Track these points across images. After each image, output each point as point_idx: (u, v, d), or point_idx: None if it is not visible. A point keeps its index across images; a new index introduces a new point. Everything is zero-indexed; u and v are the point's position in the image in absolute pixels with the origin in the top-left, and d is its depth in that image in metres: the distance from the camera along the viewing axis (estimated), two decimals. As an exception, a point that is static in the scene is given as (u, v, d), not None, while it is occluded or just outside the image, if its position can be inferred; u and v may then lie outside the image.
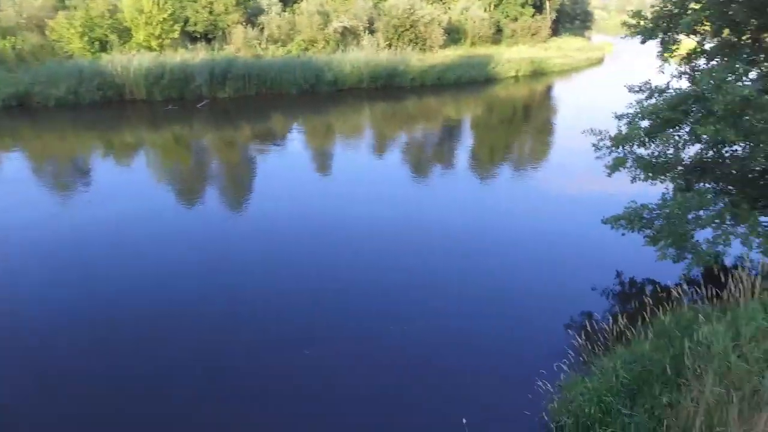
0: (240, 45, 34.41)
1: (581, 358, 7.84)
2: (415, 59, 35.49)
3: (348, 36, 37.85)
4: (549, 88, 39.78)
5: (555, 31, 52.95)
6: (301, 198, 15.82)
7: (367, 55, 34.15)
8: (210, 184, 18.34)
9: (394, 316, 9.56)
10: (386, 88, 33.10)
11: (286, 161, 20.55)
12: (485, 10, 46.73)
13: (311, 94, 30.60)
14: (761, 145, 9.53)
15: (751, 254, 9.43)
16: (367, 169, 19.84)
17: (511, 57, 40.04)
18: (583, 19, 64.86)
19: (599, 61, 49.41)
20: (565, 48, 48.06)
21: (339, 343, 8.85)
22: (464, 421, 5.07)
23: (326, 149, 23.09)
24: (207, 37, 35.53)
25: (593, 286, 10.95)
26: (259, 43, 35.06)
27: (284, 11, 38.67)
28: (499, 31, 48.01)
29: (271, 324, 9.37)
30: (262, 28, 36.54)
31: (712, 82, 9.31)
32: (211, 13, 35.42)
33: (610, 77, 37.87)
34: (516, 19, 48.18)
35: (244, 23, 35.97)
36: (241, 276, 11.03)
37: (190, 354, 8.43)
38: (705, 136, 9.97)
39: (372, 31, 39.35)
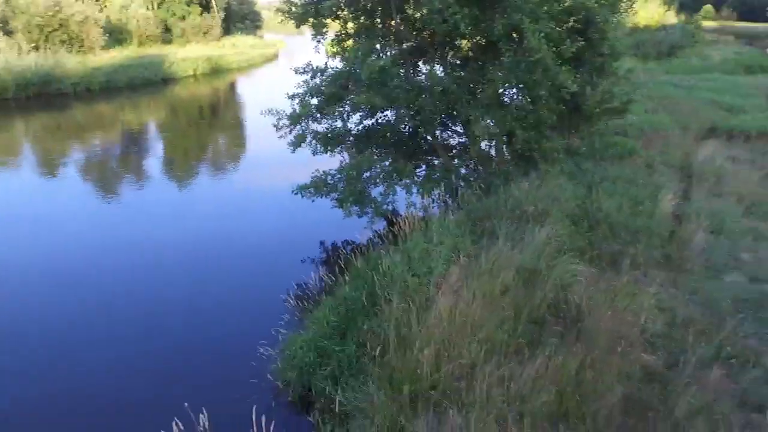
0: None
1: (296, 319, 8.40)
2: (74, 62, 31.31)
3: (-26, 38, 30.94)
4: (232, 85, 40.12)
5: (227, 30, 53.50)
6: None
7: (7, 59, 28.54)
8: None
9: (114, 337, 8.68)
10: (42, 96, 28.31)
11: None
12: (148, 8, 44.09)
13: (-68, 112, 24.09)
14: (402, 110, 11.62)
15: (413, 198, 11.51)
16: (33, 195, 16.56)
17: (187, 55, 38.94)
18: (253, 19, 67.17)
19: (275, 56, 52.12)
20: (240, 46, 49.15)
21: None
22: (186, 404, 4.86)
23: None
24: None
25: (302, 258, 11.71)
26: None
27: None
28: (168, 30, 46.01)
29: None
30: None
31: (358, 58, 10.85)
32: None
33: (287, 69, 40.23)
34: (184, 18, 46.90)
35: None
36: None
37: None
38: (362, 106, 11.62)
39: (8, 32, 33.02)
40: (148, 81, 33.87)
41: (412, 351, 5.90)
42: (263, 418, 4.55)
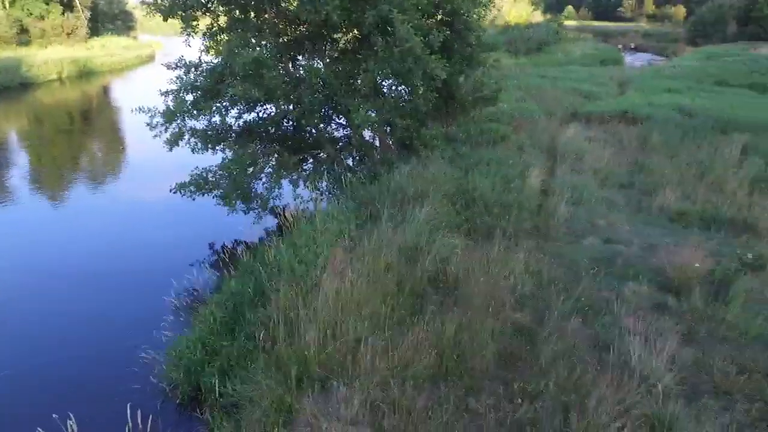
0: None
1: (182, 319, 8.09)
2: None
3: None
4: (105, 88, 37.33)
5: (95, 31, 49.55)
6: None
7: None
8: None
9: None
10: None
11: None
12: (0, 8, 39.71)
13: None
14: (283, 107, 11.52)
15: (301, 191, 11.51)
16: None
17: (49, 58, 35.61)
18: (125, 19, 62.88)
19: (151, 58, 49.22)
20: (111, 47, 45.85)
21: None
22: (55, 415, 4.52)
23: None
24: None
25: (189, 260, 11.23)
26: None
27: None
28: (24, 30, 41.73)
29: None
30: None
31: (232, 51, 10.59)
32: None
33: (164, 71, 38.05)
34: (43, 18, 42.76)
35: None
36: None
37: None
38: (241, 100, 11.36)
39: None
40: (2, 86, 30.54)
41: (299, 334, 5.93)
42: (139, 417, 4.35)
